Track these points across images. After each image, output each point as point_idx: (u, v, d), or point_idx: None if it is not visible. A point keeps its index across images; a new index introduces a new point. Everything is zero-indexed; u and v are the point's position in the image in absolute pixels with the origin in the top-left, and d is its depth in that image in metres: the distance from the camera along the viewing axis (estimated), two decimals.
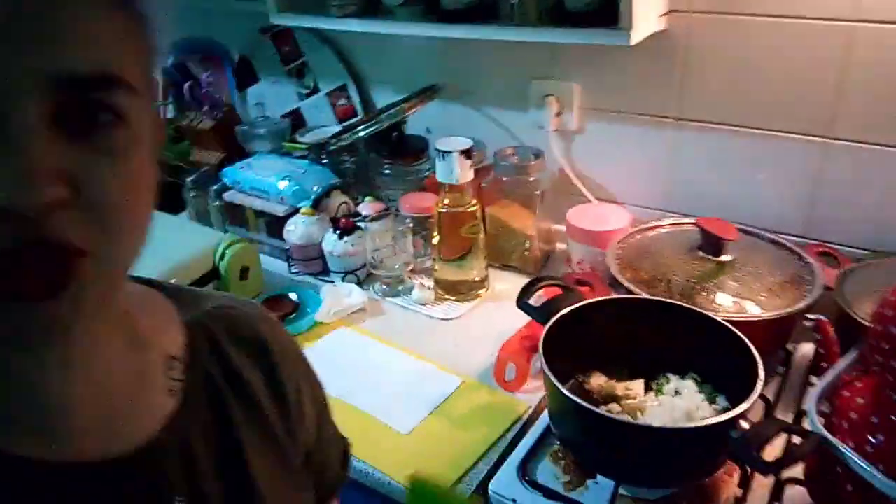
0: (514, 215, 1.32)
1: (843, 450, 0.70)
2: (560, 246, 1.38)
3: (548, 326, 0.90)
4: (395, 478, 0.88)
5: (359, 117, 1.55)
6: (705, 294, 1.02)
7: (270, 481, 0.53)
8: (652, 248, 1.14)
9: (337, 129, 1.47)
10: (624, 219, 1.26)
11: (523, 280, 1.04)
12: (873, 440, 0.69)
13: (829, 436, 0.72)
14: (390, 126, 1.38)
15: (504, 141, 1.42)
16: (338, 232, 1.28)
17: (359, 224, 1.29)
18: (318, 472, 0.62)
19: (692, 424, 0.76)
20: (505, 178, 1.30)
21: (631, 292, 1.02)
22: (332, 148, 1.36)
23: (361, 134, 1.33)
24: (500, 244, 1.36)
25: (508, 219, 1.32)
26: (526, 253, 1.34)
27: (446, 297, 1.27)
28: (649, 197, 1.32)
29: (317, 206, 1.36)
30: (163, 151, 0.54)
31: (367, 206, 1.34)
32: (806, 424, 0.77)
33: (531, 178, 1.29)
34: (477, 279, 1.26)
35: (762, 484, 0.83)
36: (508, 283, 1.28)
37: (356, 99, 1.60)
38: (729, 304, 1.01)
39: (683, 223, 1.18)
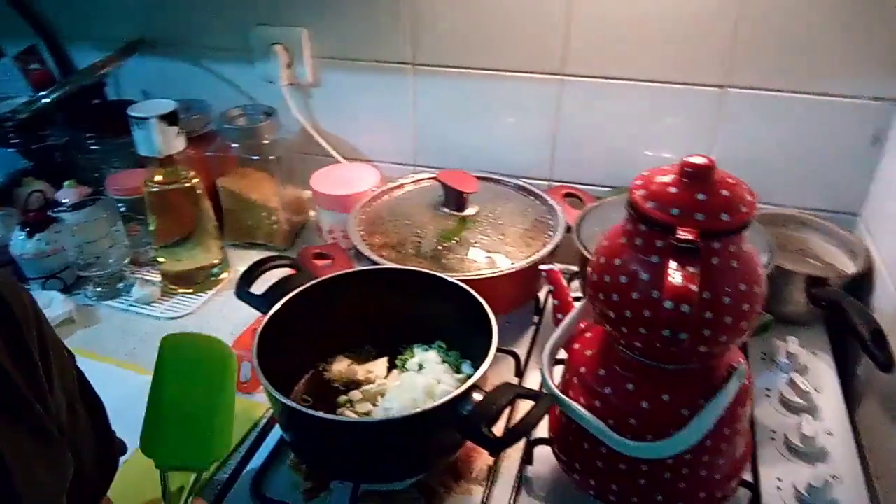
0: (253, 185, 1.16)
1: (573, 408, 0.66)
2: (314, 214, 1.25)
3: (266, 318, 0.77)
4: None
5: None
6: (454, 252, 0.96)
7: (16, 441, 0.48)
8: (398, 208, 1.05)
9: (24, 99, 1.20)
10: (372, 179, 1.16)
11: None
12: (602, 394, 0.66)
13: (559, 394, 0.68)
14: (86, 92, 1.14)
15: (236, 100, 1.25)
16: (26, 229, 1.03)
17: (56, 216, 1.06)
18: (75, 458, 0.54)
19: (402, 413, 0.68)
20: (234, 144, 1.14)
21: (373, 261, 0.93)
22: (10, 125, 1.10)
23: (44, 102, 1.08)
24: (241, 220, 1.20)
25: (245, 190, 1.16)
26: (273, 227, 1.19)
27: (178, 290, 1.09)
28: (399, 152, 1.23)
29: (2, 198, 1.10)
30: None
31: (67, 193, 1.10)
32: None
33: (265, 142, 1.14)
34: (211, 263, 1.10)
35: (515, 448, 0.78)
36: None
37: (52, 62, 1.32)
38: (480, 259, 0.95)
39: (428, 178, 1.10)
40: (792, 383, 0.84)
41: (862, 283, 0.93)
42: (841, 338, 0.95)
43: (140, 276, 1.11)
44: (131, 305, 1.06)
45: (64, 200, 1.08)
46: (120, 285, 1.08)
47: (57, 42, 1.30)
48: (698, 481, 0.65)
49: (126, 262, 1.09)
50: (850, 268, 0.96)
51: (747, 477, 0.73)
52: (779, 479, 0.74)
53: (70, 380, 0.57)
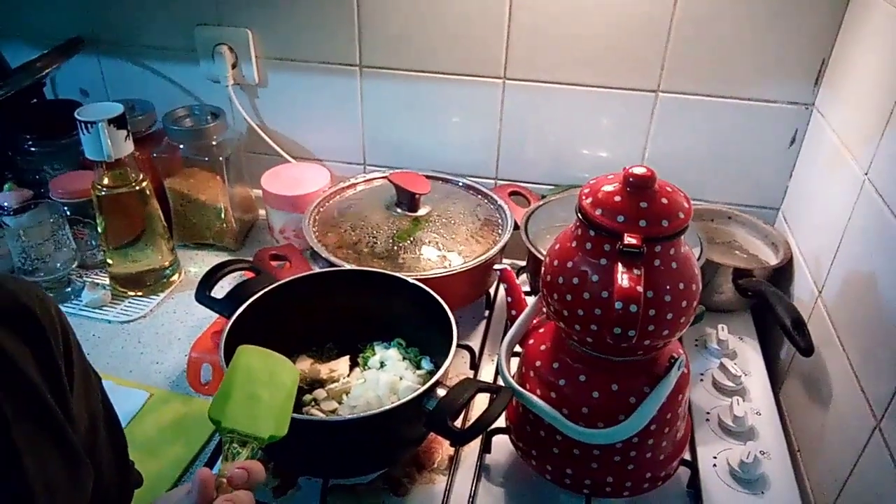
0: (201, 186, 1.16)
1: (531, 399, 0.71)
2: (263, 213, 1.26)
3: (231, 321, 0.78)
4: None
5: None
6: (408, 252, 0.99)
7: (42, 460, 0.50)
8: (352, 208, 1.08)
9: None
10: (323, 179, 1.18)
11: (223, 258, 0.91)
12: (557, 385, 0.71)
13: (518, 388, 0.73)
14: (24, 92, 1.11)
15: (179, 99, 1.24)
16: None
17: None
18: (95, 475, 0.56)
19: (371, 411, 0.71)
20: (181, 145, 1.13)
21: (331, 262, 0.95)
22: None
23: None
24: (190, 220, 1.19)
25: (194, 190, 1.16)
26: (223, 226, 1.19)
27: (128, 293, 1.08)
28: (348, 152, 1.25)
29: None
30: None
31: (8, 196, 1.07)
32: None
33: (213, 142, 1.14)
34: (162, 265, 1.09)
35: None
36: (206, 265, 1.11)
37: None
38: (434, 258, 0.98)
39: (380, 178, 1.13)
40: (723, 367, 0.92)
41: (783, 274, 1.02)
42: (766, 324, 1.04)
43: (89, 279, 1.09)
44: (81, 309, 1.04)
45: (4, 204, 1.05)
46: (68, 289, 1.07)
47: None
48: (644, 463, 0.71)
49: (74, 265, 1.07)
50: (773, 259, 1.05)
51: (687, 456, 0.79)
52: (714, 458, 0.82)
53: (95, 400, 0.59)
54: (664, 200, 0.64)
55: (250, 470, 0.55)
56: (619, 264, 0.61)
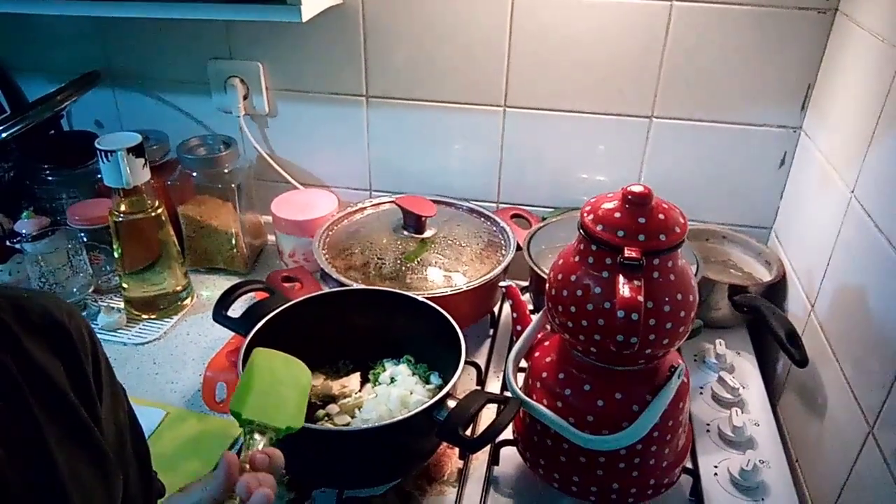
0: (213, 212, 1.20)
1: (538, 409, 0.74)
2: (272, 238, 1.30)
3: (248, 339, 0.81)
4: None
5: (6, 115, 1.28)
6: (415, 272, 1.02)
7: (76, 469, 0.52)
8: (360, 231, 1.11)
9: None
10: (330, 204, 1.22)
11: (233, 282, 0.95)
12: (563, 395, 0.74)
13: (525, 398, 0.76)
14: (43, 123, 1.15)
15: (192, 130, 1.28)
16: None
17: (17, 246, 1.07)
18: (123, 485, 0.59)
19: (385, 421, 0.74)
20: (194, 173, 1.17)
21: (341, 283, 0.98)
22: None
23: (3, 136, 1.09)
24: (202, 245, 1.23)
25: (206, 217, 1.20)
26: (233, 251, 1.23)
27: (143, 316, 1.11)
28: (355, 177, 1.29)
29: None
30: None
31: (26, 224, 1.11)
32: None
33: (225, 170, 1.18)
34: (176, 290, 1.12)
35: (482, 451, 0.85)
36: (217, 289, 1.17)
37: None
38: (439, 278, 1.02)
39: (387, 202, 1.17)
40: (721, 381, 0.95)
41: (777, 290, 1.06)
42: (761, 339, 1.07)
43: (104, 303, 1.12)
44: (97, 332, 1.07)
45: (23, 231, 1.09)
46: (84, 313, 1.10)
47: (6, 72, 1.30)
48: (648, 469, 0.74)
49: (90, 290, 1.10)
50: (766, 276, 1.09)
51: (689, 465, 0.82)
52: (715, 466, 0.84)
53: (122, 411, 0.61)
54: (661, 216, 0.68)
55: (272, 455, 0.58)
56: (621, 276, 0.64)
